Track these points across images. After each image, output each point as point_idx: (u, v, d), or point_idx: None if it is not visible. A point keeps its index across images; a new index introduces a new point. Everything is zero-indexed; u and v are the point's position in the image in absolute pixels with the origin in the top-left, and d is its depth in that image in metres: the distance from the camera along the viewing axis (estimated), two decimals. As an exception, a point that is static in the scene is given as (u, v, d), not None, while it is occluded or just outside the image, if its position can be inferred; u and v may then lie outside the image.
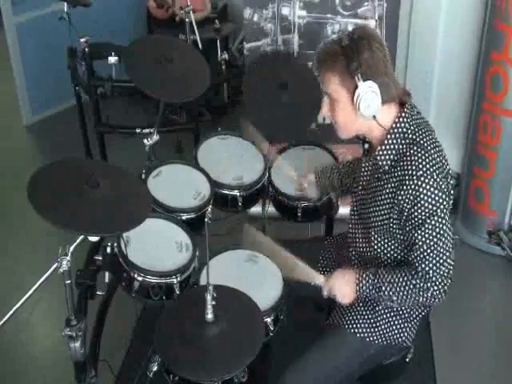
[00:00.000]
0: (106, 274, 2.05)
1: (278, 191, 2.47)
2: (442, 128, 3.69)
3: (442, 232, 1.79)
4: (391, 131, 1.84)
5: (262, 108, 2.53)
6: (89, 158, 3.73)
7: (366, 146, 1.99)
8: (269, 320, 1.97)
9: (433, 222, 1.78)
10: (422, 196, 1.76)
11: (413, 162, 1.77)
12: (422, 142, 1.81)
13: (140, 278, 1.96)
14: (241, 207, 2.45)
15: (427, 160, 1.77)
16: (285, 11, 3.30)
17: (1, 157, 4.44)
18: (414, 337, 2.04)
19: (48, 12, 4.48)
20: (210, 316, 1.72)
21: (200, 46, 3.35)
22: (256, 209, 2.70)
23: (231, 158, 2.54)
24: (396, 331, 1.99)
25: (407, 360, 2.08)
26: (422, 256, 1.81)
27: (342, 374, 1.98)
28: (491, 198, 3.40)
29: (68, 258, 1.70)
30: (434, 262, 1.80)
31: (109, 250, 1.99)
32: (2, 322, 2.43)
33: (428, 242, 1.79)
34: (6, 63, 4.66)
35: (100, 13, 4.52)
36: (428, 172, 1.76)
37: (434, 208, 1.76)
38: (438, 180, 1.76)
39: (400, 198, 1.79)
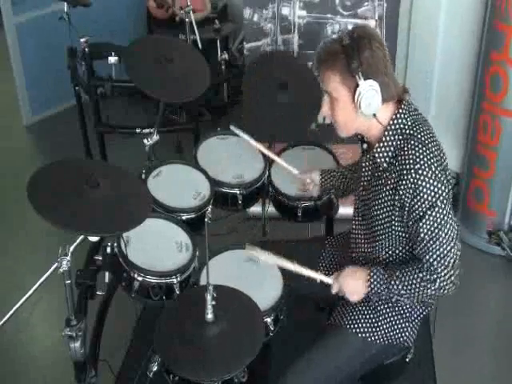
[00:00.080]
0: (106, 274, 2.05)
1: (277, 191, 2.47)
2: (442, 128, 3.69)
3: (443, 223, 1.79)
4: (388, 128, 1.85)
5: (262, 108, 2.54)
6: (89, 158, 3.73)
7: (365, 145, 1.99)
8: (269, 320, 1.97)
9: (433, 214, 1.78)
10: (421, 188, 1.76)
11: (410, 156, 1.78)
12: (419, 136, 1.81)
13: (140, 278, 1.96)
14: (241, 206, 2.45)
15: (425, 153, 1.78)
16: (285, 11, 3.30)
17: (1, 157, 4.43)
18: (415, 337, 2.05)
19: (48, 12, 4.47)
20: (209, 316, 1.72)
21: (200, 45, 3.35)
22: (256, 209, 2.70)
23: (231, 158, 2.54)
24: (397, 331, 1.99)
25: (407, 360, 2.08)
26: (425, 248, 1.82)
27: (343, 374, 1.98)
28: (491, 198, 3.40)
29: (68, 257, 1.70)
30: (438, 253, 1.80)
31: (109, 249, 1.99)
32: (2, 322, 2.42)
33: (430, 233, 1.80)
34: (6, 63, 4.65)
35: (100, 13, 4.52)
36: (426, 165, 1.76)
37: (434, 199, 1.77)
38: (437, 172, 1.77)
39: (400, 192, 1.80)
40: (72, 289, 1.73)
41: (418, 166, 1.76)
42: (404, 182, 1.78)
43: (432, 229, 1.79)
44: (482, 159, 3.37)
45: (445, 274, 1.82)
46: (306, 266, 1.97)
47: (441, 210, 1.78)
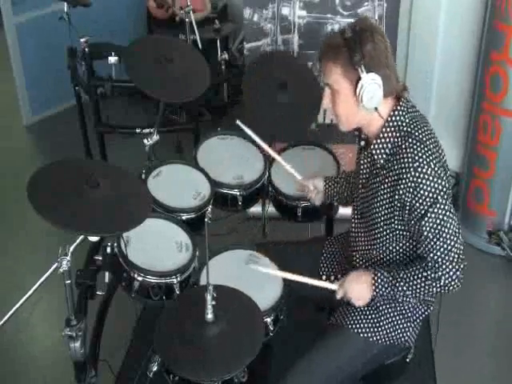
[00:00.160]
0: (106, 274, 2.05)
1: (278, 191, 2.47)
2: (442, 128, 3.69)
3: (445, 218, 1.79)
4: (386, 124, 1.85)
5: (262, 108, 2.54)
6: (89, 158, 3.73)
7: (362, 143, 1.99)
8: (269, 320, 1.97)
9: (435, 210, 1.78)
10: (421, 186, 1.76)
11: (409, 155, 1.78)
12: (416, 133, 1.81)
13: (140, 278, 1.96)
14: (241, 206, 2.45)
15: (423, 151, 1.77)
16: (285, 11, 3.30)
17: (1, 157, 4.43)
18: (416, 337, 2.05)
19: (48, 12, 4.47)
20: (210, 316, 1.72)
21: (200, 46, 3.35)
22: (256, 209, 2.70)
23: (231, 158, 2.54)
24: (399, 331, 1.99)
25: (407, 360, 2.08)
26: (429, 246, 1.81)
27: (344, 374, 1.98)
28: (491, 198, 3.40)
29: (68, 257, 1.70)
30: (442, 249, 1.80)
31: (109, 249, 1.99)
32: (2, 322, 2.43)
33: (433, 230, 1.79)
34: (6, 63, 4.65)
35: (100, 13, 4.51)
36: (425, 162, 1.76)
37: (435, 196, 1.77)
38: (436, 169, 1.77)
39: (400, 192, 1.79)
40: (72, 289, 1.73)
41: (417, 163, 1.76)
42: (404, 181, 1.78)
43: (435, 226, 1.79)
44: (482, 159, 3.37)
45: (449, 270, 1.82)
46: (306, 274, 1.98)
47: (442, 206, 1.78)
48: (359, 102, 1.79)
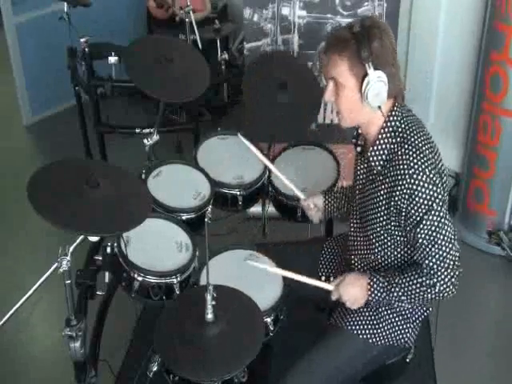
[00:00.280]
0: (106, 274, 2.05)
1: (277, 191, 2.46)
2: (442, 128, 3.70)
3: (440, 225, 1.79)
4: (384, 125, 1.84)
5: (262, 108, 2.53)
6: (89, 158, 3.73)
7: (359, 149, 1.99)
8: (269, 320, 1.97)
9: (430, 217, 1.78)
10: (416, 193, 1.76)
11: (404, 161, 1.78)
12: (412, 139, 1.81)
13: (140, 278, 1.96)
14: (241, 206, 2.45)
15: (418, 157, 1.77)
16: (285, 11, 3.30)
17: (1, 157, 4.43)
18: (416, 337, 2.04)
19: (48, 12, 4.47)
20: (210, 316, 1.72)
21: (200, 46, 3.35)
22: (256, 209, 2.70)
23: (231, 158, 2.54)
24: (398, 332, 1.99)
25: (407, 360, 2.08)
26: (425, 252, 1.81)
27: (344, 375, 1.98)
28: (491, 198, 3.40)
29: (68, 257, 1.70)
30: (437, 256, 1.80)
31: (109, 249, 1.99)
32: (2, 322, 2.43)
33: (428, 237, 1.79)
34: (6, 63, 4.65)
35: (100, 13, 4.51)
36: (420, 169, 1.76)
37: (430, 203, 1.77)
38: (432, 176, 1.77)
39: (396, 198, 1.79)
40: (72, 289, 1.73)
41: (413, 170, 1.76)
42: (399, 188, 1.78)
43: (430, 233, 1.79)
44: (482, 159, 3.37)
45: (444, 277, 1.82)
46: (305, 274, 1.98)
47: (437, 213, 1.78)
48: (364, 98, 1.78)
